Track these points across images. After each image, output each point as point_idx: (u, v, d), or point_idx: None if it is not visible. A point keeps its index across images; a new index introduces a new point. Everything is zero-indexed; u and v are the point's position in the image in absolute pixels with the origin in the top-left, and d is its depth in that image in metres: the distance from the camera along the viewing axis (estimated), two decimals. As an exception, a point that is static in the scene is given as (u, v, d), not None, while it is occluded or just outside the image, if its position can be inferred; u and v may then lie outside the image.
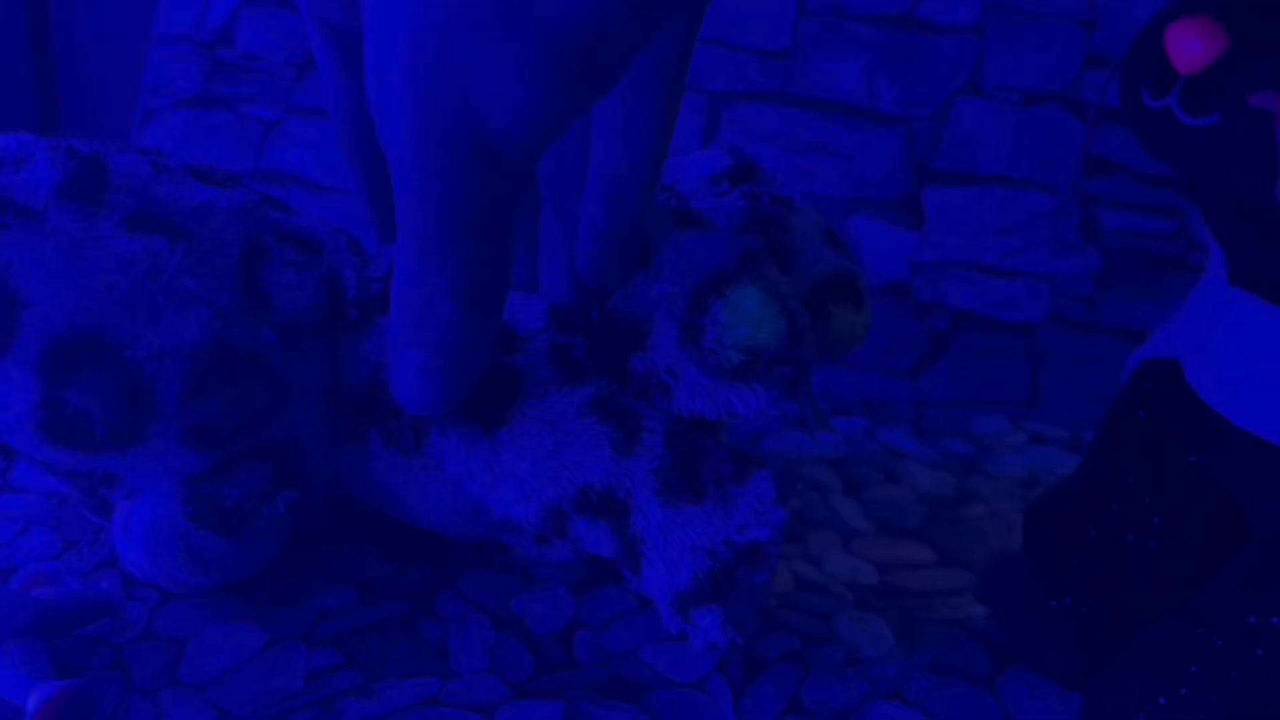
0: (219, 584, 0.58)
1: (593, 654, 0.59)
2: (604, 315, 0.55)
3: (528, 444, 0.53)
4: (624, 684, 0.57)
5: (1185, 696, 0.48)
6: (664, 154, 0.52)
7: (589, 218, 0.54)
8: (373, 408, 0.56)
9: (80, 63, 1.17)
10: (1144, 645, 0.52)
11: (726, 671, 0.58)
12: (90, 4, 1.15)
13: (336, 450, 0.58)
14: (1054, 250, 0.90)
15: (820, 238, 0.60)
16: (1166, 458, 0.56)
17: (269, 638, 0.57)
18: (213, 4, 0.95)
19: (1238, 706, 0.47)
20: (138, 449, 0.50)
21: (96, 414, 0.47)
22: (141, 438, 0.49)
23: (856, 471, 0.79)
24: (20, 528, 0.63)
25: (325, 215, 0.60)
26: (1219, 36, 0.41)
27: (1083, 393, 0.90)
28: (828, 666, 0.59)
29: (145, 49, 0.98)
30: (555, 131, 0.41)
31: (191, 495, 0.52)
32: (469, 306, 0.46)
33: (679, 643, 0.60)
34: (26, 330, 0.44)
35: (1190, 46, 0.42)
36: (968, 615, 0.64)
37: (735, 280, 0.49)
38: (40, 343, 0.45)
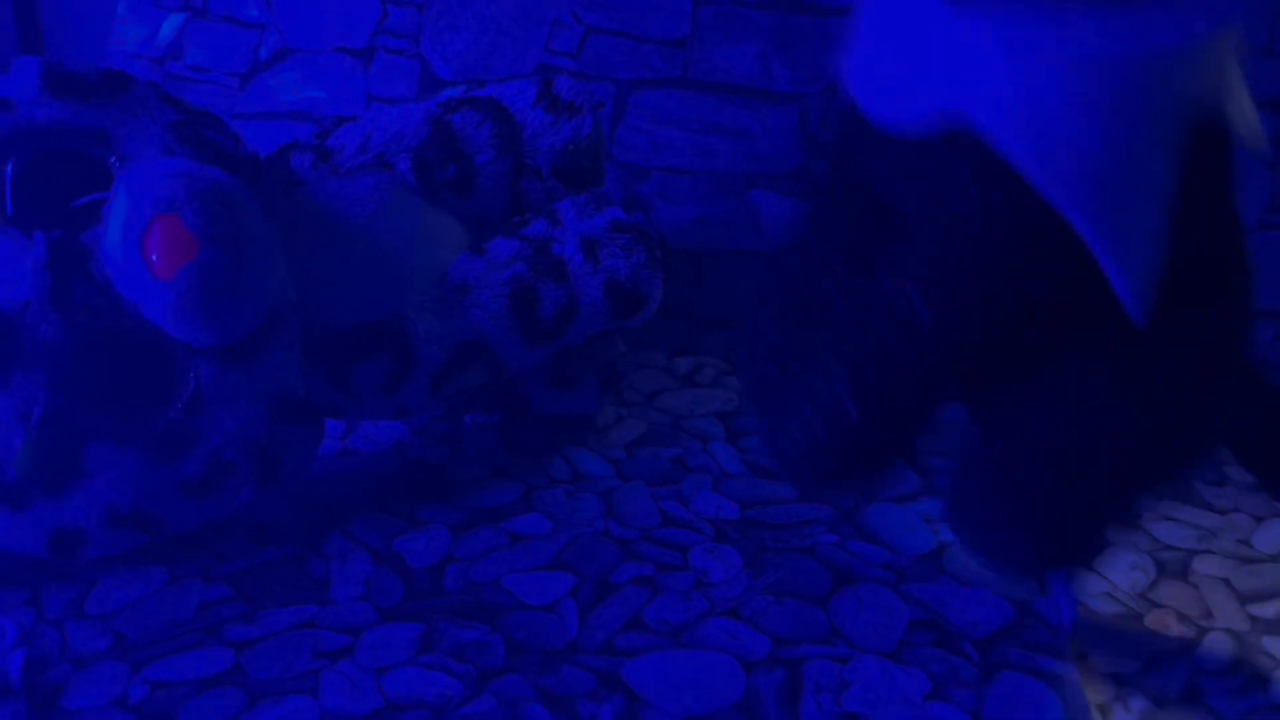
0: None
1: (460, 583, 0.65)
2: None
3: None
4: (483, 608, 0.63)
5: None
6: None
7: None
8: None
9: (64, 18, 1.23)
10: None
11: (578, 595, 0.64)
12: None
13: None
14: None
15: None
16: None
17: (170, 575, 0.65)
18: (162, 22, 1.04)
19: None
20: None
21: None
22: None
23: (742, 423, 0.85)
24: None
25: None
26: None
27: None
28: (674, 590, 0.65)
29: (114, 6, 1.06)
30: None
31: None
32: None
33: (541, 573, 0.66)
34: None
35: None
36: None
37: None
38: None
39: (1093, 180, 0.46)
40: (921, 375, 0.52)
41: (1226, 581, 0.67)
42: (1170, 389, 0.53)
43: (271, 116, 1.04)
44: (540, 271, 0.73)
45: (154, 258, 0.59)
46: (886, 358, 0.52)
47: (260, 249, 0.62)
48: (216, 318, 0.61)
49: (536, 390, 0.79)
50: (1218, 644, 0.62)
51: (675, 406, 0.86)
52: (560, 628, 0.62)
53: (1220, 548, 0.70)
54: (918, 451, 0.62)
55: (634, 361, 0.91)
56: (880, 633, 0.62)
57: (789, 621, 0.63)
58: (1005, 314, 0.51)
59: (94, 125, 0.63)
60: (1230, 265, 0.53)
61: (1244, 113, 0.49)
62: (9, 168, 0.61)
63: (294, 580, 0.65)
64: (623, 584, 0.66)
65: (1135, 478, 0.56)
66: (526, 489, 0.75)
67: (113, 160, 0.63)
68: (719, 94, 0.98)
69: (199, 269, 0.59)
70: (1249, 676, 0.60)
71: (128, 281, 0.60)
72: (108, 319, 0.60)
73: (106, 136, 0.63)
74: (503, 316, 0.72)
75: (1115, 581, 0.67)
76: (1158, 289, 0.48)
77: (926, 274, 0.50)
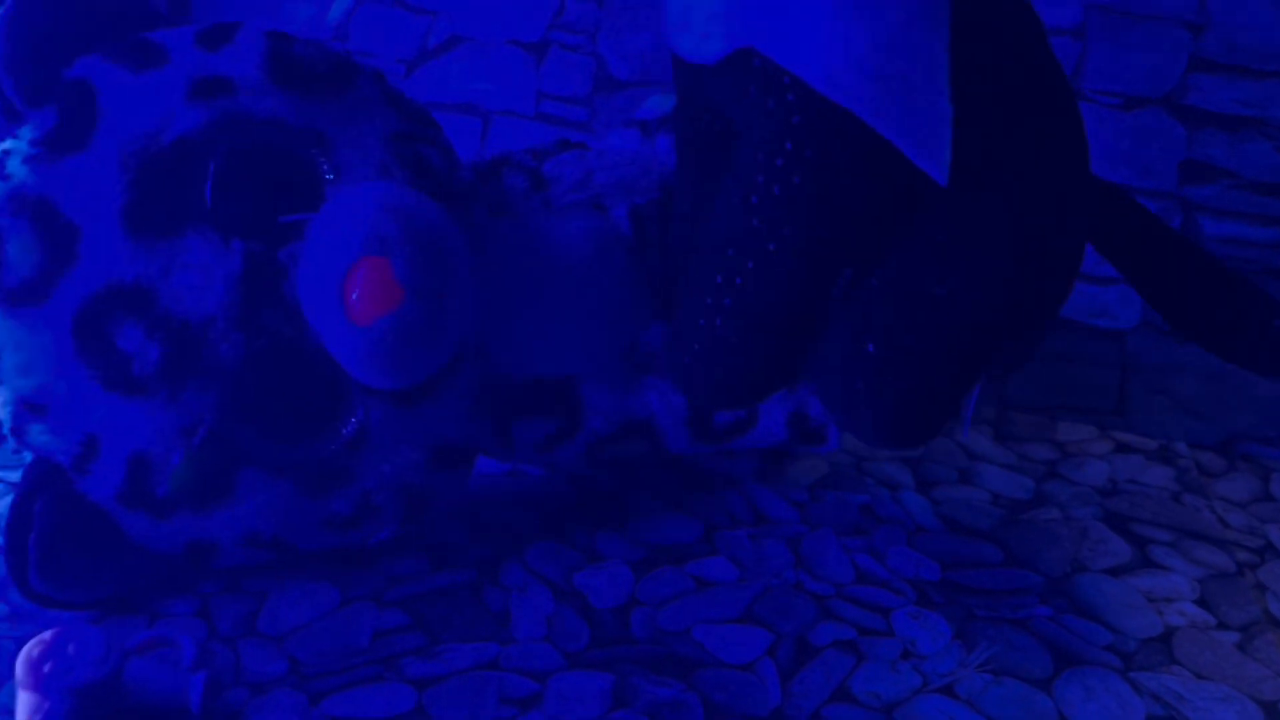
0: None
1: (648, 630, 0.60)
2: None
3: None
4: (675, 661, 0.58)
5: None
6: None
7: None
8: None
9: None
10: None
11: (776, 655, 0.59)
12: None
13: None
14: (1151, 257, 0.88)
15: None
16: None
17: (342, 597, 0.61)
18: (332, 2, 1.00)
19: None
20: None
21: None
22: None
23: (931, 470, 0.79)
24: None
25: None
26: None
27: (1172, 402, 0.88)
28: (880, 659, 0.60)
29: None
30: None
31: None
32: None
33: (733, 625, 0.61)
34: None
35: None
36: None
37: None
38: None
39: (857, 70, 0.50)
40: (777, 282, 0.56)
41: None
42: (1006, 242, 0.55)
43: (437, 107, 1.00)
44: None
45: (354, 298, 0.53)
46: (745, 270, 0.56)
47: (461, 295, 0.57)
48: (403, 369, 0.56)
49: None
50: None
51: (857, 446, 0.80)
52: (761, 691, 0.57)
53: None
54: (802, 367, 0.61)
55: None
56: (1115, 728, 0.56)
57: (1012, 706, 0.57)
58: (829, 208, 0.54)
59: (313, 126, 0.57)
60: (1042, 102, 0.57)
61: None
62: (213, 162, 0.55)
63: (472, 612, 0.60)
64: (823, 646, 0.60)
65: (990, 332, 0.58)
66: (707, 527, 0.70)
67: (325, 169, 0.57)
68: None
69: (397, 321, 0.54)
70: None
71: (318, 313, 0.54)
72: (288, 343, 0.55)
73: (323, 140, 0.58)
74: (679, 409, 0.67)
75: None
76: (957, 147, 0.51)
77: (758, 181, 0.54)
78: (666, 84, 0.90)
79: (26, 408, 0.54)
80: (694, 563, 0.66)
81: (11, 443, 0.56)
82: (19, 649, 0.49)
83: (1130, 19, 0.88)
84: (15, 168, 0.55)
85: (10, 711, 0.50)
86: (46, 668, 0.48)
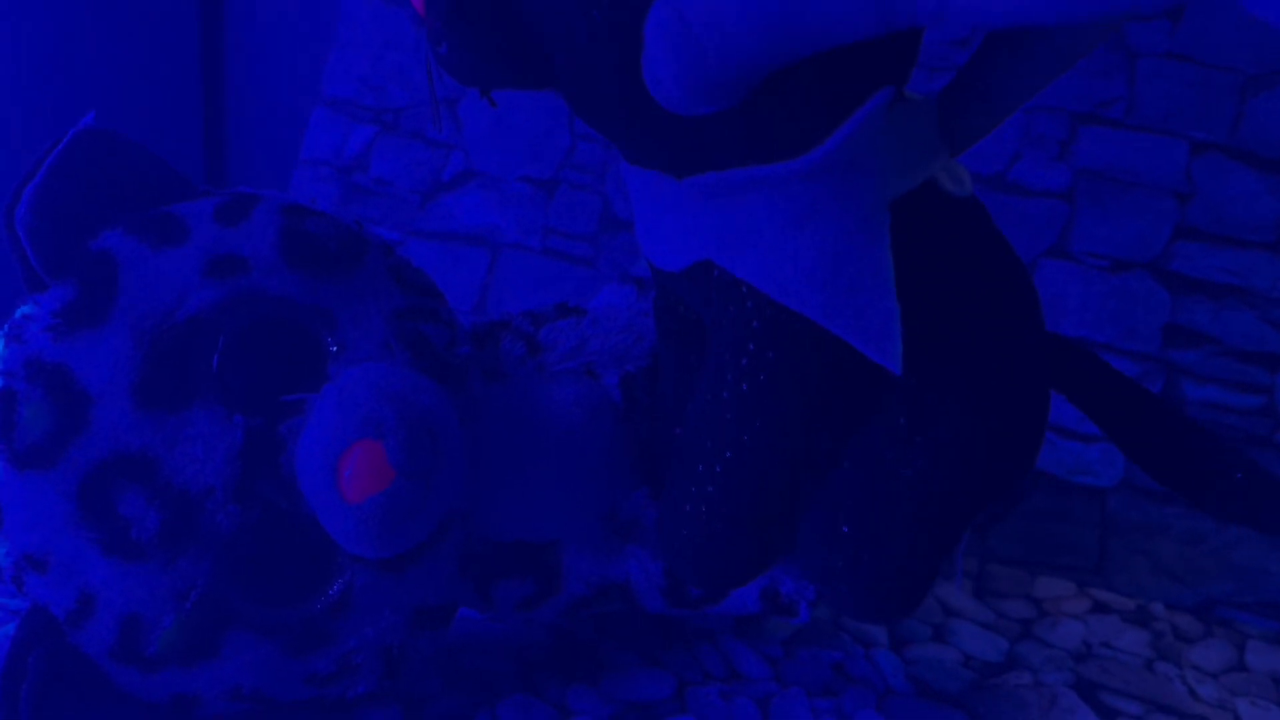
0: None
1: (610, 795, 0.62)
2: None
3: None
4: (634, 829, 0.60)
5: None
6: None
7: None
8: None
9: (249, 122, 1.27)
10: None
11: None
12: (260, 69, 1.25)
13: None
14: (1134, 417, 0.89)
15: None
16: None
17: (316, 746, 0.63)
18: (352, 134, 1.05)
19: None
20: None
21: None
22: None
23: (906, 627, 0.80)
24: None
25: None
26: None
27: (1152, 562, 0.89)
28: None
29: (308, 114, 1.07)
30: None
31: None
32: None
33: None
34: None
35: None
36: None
37: None
38: None
39: (807, 279, 0.54)
40: (755, 469, 0.58)
41: None
42: (964, 420, 0.58)
43: (448, 237, 1.04)
44: None
45: (346, 476, 0.55)
46: (724, 459, 0.59)
47: (450, 470, 0.59)
48: (390, 541, 0.58)
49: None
50: None
51: (835, 598, 0.82)
52: None
53: None
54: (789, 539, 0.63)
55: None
56: None
57: None
58: (794, 401, 0.57)
59: (320, 304, 0.60)
60: (988, 289, 0.60)
61: (946, 169, 0.58)
62: (222, 337, 0.58)
63: (440, 768, 0.62)
64: (781, 819, 0.62)
65: (961, 505, 0.60)
66: (680, 683, 0.71)
67: (330, 344, 0.61)
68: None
69: (387, 499, 0.56)
70: None
71: (312, 487, 0.57)
72: (281, 513, 0.58)
73: (329, 317, 0.61)
74: (655, 575, 0.69)
75: None
76: (908, 338, 0.54)
77: (727, 379, 0.57)
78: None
79: (27, 561, 0.57)
80: (663, 721, 0.68)
81: (11, 588, 0.59)
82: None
83: (1118, 185, 0.91)
84: (34, 335, 0.58)
85: None
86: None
